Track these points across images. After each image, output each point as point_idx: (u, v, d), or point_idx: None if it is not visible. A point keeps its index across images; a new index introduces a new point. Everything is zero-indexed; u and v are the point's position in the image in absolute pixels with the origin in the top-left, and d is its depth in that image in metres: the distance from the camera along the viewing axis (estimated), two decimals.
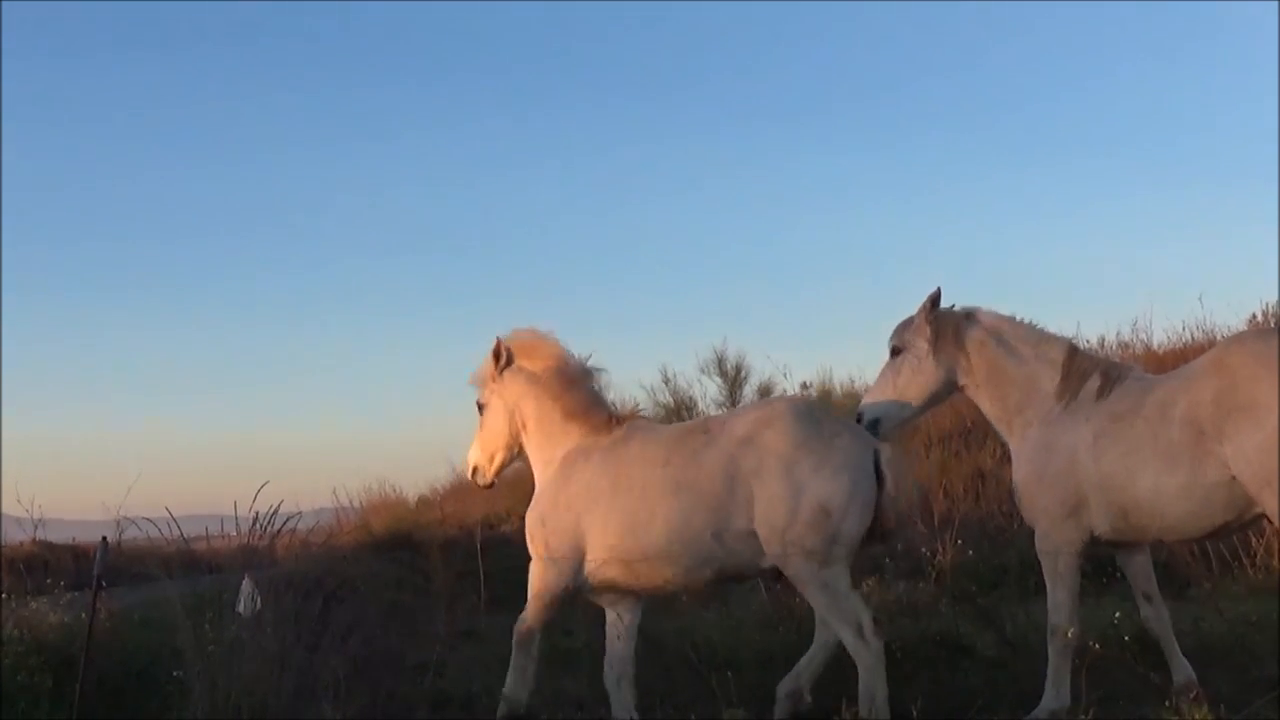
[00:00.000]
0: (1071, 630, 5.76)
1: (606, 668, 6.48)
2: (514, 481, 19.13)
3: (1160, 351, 16.57)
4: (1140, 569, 6.10)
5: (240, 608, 7.13)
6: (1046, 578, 5.93)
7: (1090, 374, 5.81)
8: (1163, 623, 6.03)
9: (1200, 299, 21.42)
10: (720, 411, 18.35)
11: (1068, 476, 5.71)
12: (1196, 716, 5.16)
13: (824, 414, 6.38)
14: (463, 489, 21.80)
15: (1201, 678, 6.01)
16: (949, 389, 6.35)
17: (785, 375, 18.13)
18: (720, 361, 18.31)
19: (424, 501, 21.64)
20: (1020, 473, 6.01)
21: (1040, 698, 6.09)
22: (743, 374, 18.27)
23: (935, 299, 6.14)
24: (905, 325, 6.28)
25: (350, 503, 19.71)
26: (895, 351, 6.26)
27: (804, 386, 17.89)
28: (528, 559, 8.10)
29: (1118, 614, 7.17)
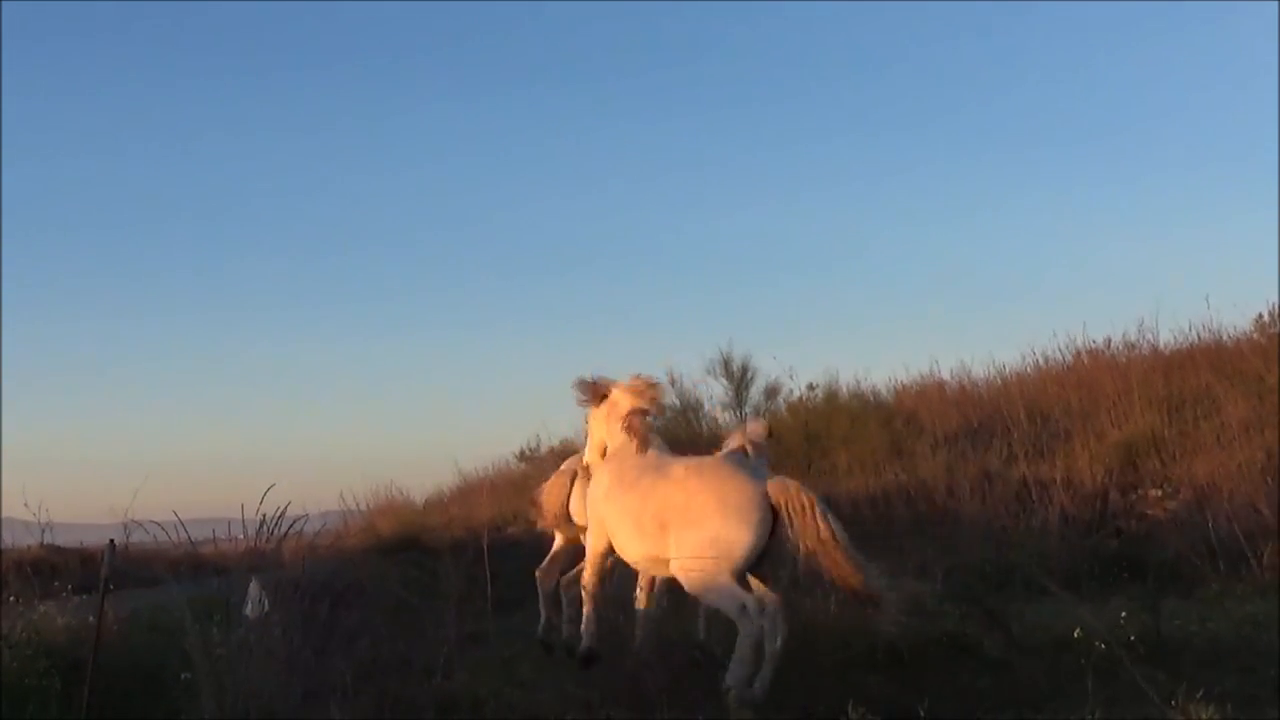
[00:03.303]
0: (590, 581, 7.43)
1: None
2: (521, 485, 19.15)
3: (1166, 352, 16.56)
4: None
5: (248, 610, 7.15)
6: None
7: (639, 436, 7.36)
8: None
9: (1207, 300, 21.43)
10: (726, 414, 18.43)
11: (593, 503, 7.47)
12: (1203, 717, 5.17)
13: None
14: (469, 491, 21.86)
15: (1208, 677, 6.00)
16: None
17: (791, 376, 18.14)
18: (726, 363, 18.31)
19: (431, 504, 21.66)
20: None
21: (1046, 699, 6.11)
22: (748, 375, 18.28)
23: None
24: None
25: (357, 505, 19.73)
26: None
27: (810, 387, 17.88)
28: (535, 561, 8.13)
29: (1124, 614, 7.17)
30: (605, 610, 7.58)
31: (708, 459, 7.13)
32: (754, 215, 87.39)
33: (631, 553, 7.08)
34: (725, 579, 6.48)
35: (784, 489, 6.52)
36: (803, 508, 6.43)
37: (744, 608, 6.41)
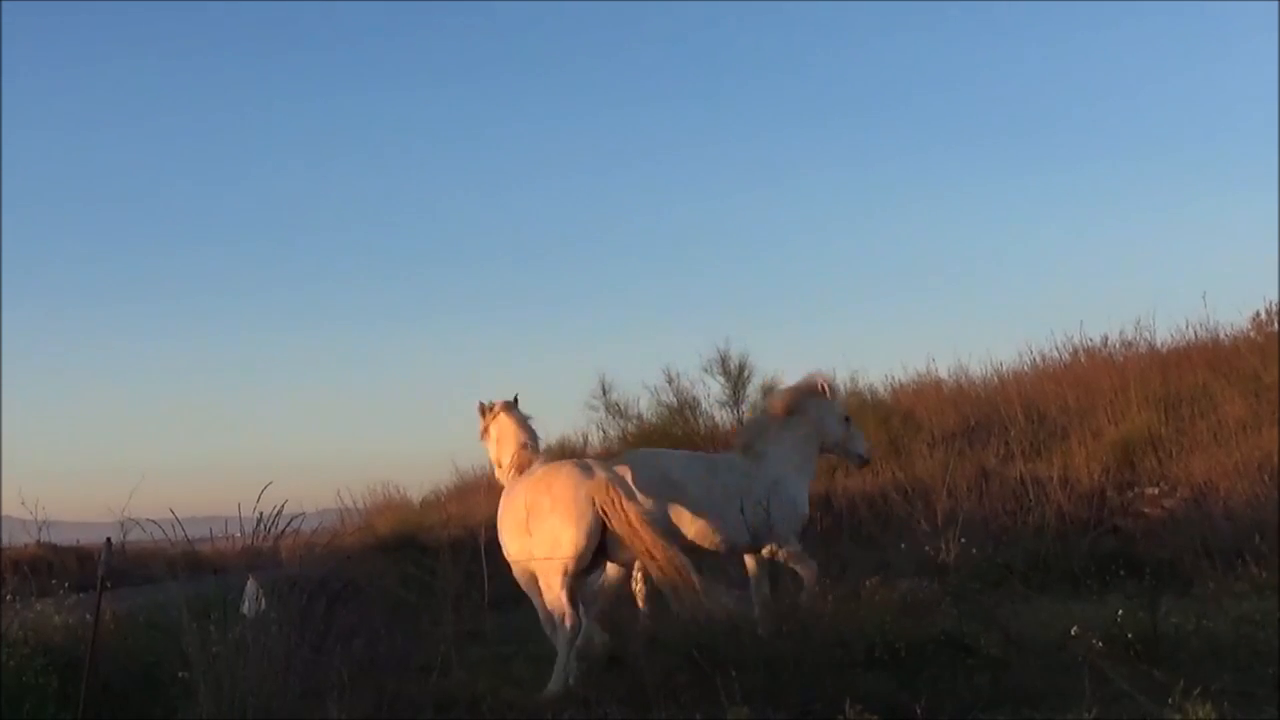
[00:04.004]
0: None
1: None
2: None
3: (1164, 350, 16.57)
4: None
5: (245, 609, 7.15)
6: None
7: (520, 464, 8.17)
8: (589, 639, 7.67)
9: (1204, 297, 21.47)
10: (723, 411, 18.46)
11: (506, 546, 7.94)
12: (1200, 715, 5.17)
13: None
14: (466, 489, 21.82)
15: (1205, 675, 6.00)
16: None
17: (788, 374, 18.14)
18: (723, 360, 18.29)
19: (428, 502, 21.63)
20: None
21: (1043, 697, 6.11)
22: (746, 373, 18.27)
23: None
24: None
25: (354, 504, 19.72)
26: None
27: None
28: None
29: (1120, 612, 7.17)
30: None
31: (554, 464, 7.91)
32: (752, 212, 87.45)
33: (513, 553, 7.71)
34: (558, 578, 7.29)
35: (597, 486, 7.26)
36: (612, 500, 7.18)
37: (562, 618, 7.21)
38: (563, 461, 7.93)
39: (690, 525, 8.48)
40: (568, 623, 7.22)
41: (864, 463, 9.63)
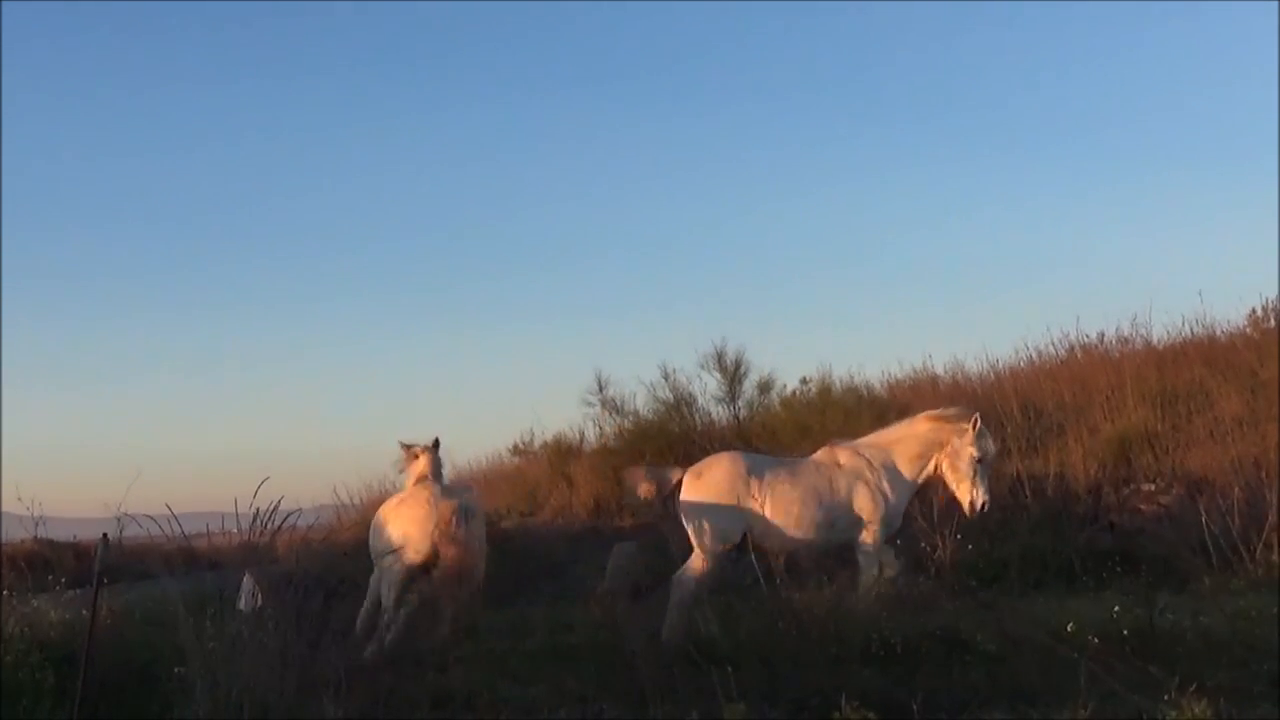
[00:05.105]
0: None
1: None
2: (513, 479, 19.14)
3: (1160, 346, 16.57)
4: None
5: (241, 604, 7.15)
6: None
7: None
8: None
9: (1200, 294, 21.47)
10: (719, 408, 18.45)
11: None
12: (1196, 711, 5.18)
13: None
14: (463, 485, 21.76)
15: (1201, 671, 6.01)
16: None
17: (785, 370, 18.12)
18: (720, 357, 18.28)
19: None
20: None
21: (1039, 693, 6.12)
22: (742, 369, 18.26)
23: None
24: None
25: (350, 500, 19.68)
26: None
27: (803, 381, 17.88)
28: (528, 554, 8.15)
29: (1116, 608, 7.19)
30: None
31: (418, 486, 8.89)
32: (749, 210, 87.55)
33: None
34: (399, 570, 8.32)
35: (443, 507, 8.28)
36: (441, 517, 8.22)
37: (391, 587, 8.32)
38: (424, 485, 8.97)
39: (765, 527, 8.71)
40: (393, 597, 8.34)
41: (972, 510, 9.16)
